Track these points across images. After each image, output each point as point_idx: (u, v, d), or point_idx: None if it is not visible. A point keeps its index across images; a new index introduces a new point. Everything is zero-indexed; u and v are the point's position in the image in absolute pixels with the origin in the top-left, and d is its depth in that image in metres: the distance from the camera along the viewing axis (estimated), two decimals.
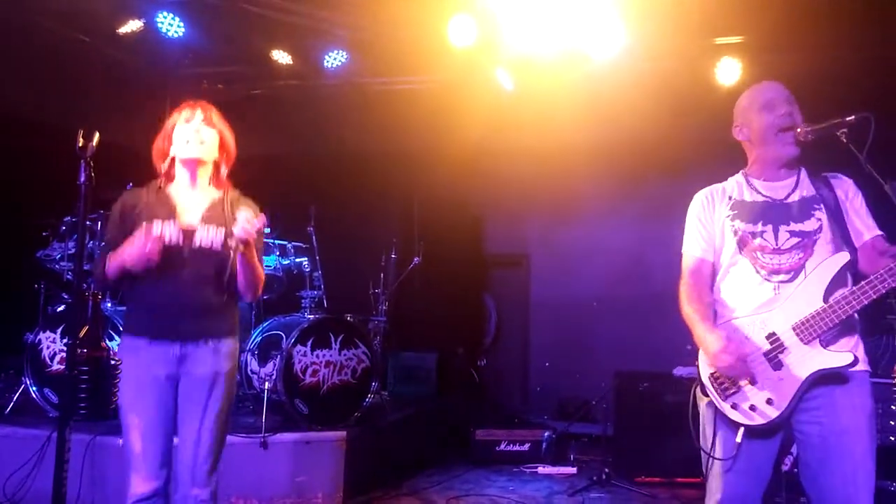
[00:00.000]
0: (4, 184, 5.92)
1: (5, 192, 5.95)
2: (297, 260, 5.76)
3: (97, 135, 2.34)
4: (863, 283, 2.37)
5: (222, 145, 2.83)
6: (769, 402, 2.46)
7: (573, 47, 5.76)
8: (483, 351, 7.81)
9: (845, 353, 2.42)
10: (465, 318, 7.66)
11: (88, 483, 4.27)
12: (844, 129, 2.41)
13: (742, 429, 2.49)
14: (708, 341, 2.51)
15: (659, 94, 6.13)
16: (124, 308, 3.56)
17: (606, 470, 5.52)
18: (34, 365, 4.94)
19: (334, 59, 6.42)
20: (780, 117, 2.57)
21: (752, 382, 2.48)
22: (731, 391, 2.51)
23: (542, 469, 5.86)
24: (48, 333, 4.98)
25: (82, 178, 2.34)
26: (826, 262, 2.48)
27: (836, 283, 2.46)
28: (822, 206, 2.57)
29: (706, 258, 2.71)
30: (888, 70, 5.52)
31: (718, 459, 2.54)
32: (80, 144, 2.33)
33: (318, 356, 4.97)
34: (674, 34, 5.79)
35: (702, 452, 2.64)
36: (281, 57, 6.47)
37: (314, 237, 5.83)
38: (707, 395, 2.59)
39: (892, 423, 4.71)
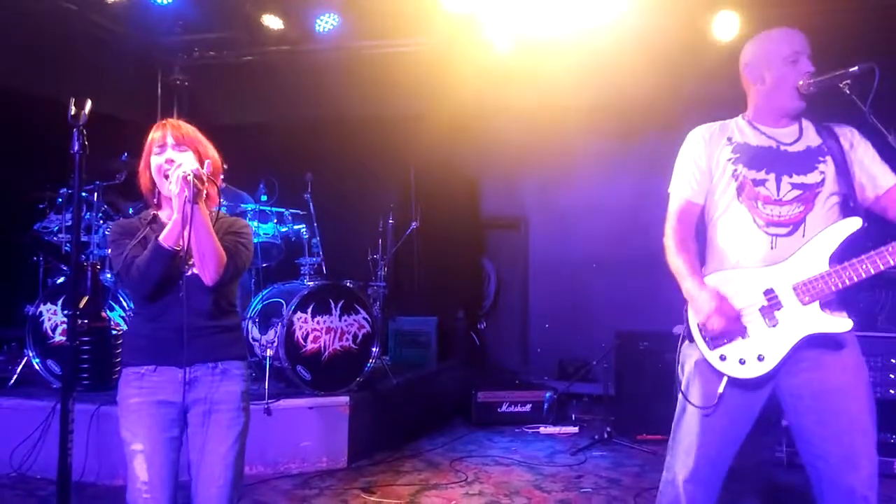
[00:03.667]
0: None
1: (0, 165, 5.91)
2: (295, 227, 5.75)
3: (89, 103, 2.30)
4: (872, 252, 2.32)
5: (201, 163, 2.53)
6: (760, 357, 2.43)
7: (567, 5, 5.68)
8: (483, 314, 7.83)
9: (845, 319, 2.40)
10: (465, 282, 7.67)
11: (94, 453, 4.30)
12: (848, 81, 2.38)
13: (725, 378, 2.46)
14: (700, 299, 2.45)
15: (655, 51, 6.05)
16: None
17: (608, 429, 5.57)
18: (36, 337, 4.95)
19: (326, 22, 6.34)
20: (802, 74, 2.49)
21: (743, 336, 2.45)
22: (721, 342, 2.47)
23: (544, 429, 5.92)
24: (49, 305, 4.98)
25: (76, 147, 2.29)
26: (836, 226, 2.43)
27: (843, 248, 2.40)
28: (826, 157, 2.51)
29: (696, 201, 2.62)
30: (892, 21, 5.45)
31: (698, 407, 2.50)
32: (73, 113, 2.29)
33: (318, 322, 4.98)
34: None
35: (679, 404, 2.61)
36: (272, 22, 6.39)
37: (311, 204, 5.80)
38: (693, 343, 2.53)
39: (893, 376, 4.73)
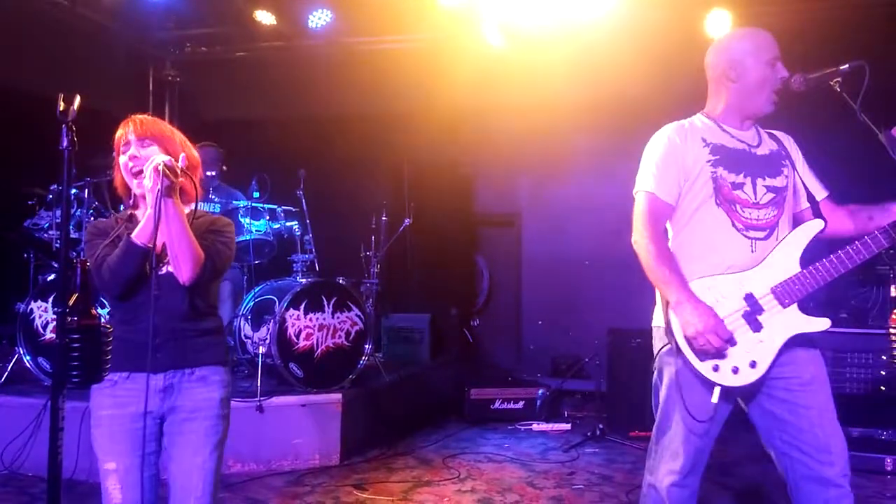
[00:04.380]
0: None
1: None
2: (288, 224, 5.73)
3: (78, 98, 2.28)
4: (840, 252, 2.39)
5: (168, 155, 2.37)
6: (752, 364, 2.41)
7: (561, 1, 5.68)
8: (476, 311, 7.83)
9: (822, 319, 2.44)
10: (458, 279, 7.67)
11: (85, 450, 4.26)
12: (839, 79, 2.39)
13: (718, 388, 2.42)
14: (695, 315, 2.37)
15: (648, 49, 6.05)
16: None
17: (600, 425, 5.59)
18: (27, 334, 4.93)
19: (319, 18, 6.33)
20: (781, 80, 2.51)
21: (731, 344, 2.41)
22: (711, 353, 2.41)
23: (536, 426, 5.92)
24: (39, 303, 4.97)
25: (64, 143, 2.28)
26: (802, 228, 2.49)
27: (809, 249, 2.45)
28: (787, 161, 2.58)
29: (669, 202, 2.56)
30: (883, 19, 5.46)
31: (698, 421, 2.46)
32: (61, 109, 2.27)
33: (311, 320, 4.97)
34: None
35: (661, 410, 2.60)
36: (264, 17, 6.38)
37: (304, 200, 5.79)
38: (679, 352, 2.47)
39: (883, 373, 4.76)
